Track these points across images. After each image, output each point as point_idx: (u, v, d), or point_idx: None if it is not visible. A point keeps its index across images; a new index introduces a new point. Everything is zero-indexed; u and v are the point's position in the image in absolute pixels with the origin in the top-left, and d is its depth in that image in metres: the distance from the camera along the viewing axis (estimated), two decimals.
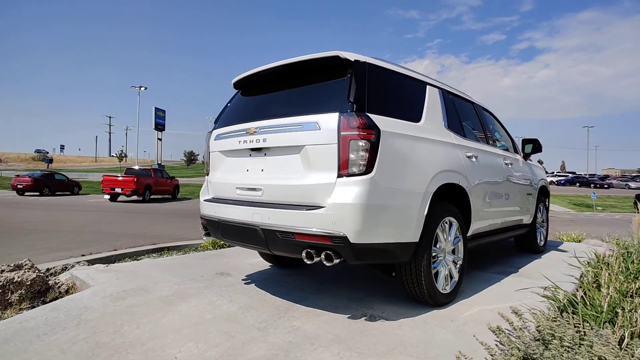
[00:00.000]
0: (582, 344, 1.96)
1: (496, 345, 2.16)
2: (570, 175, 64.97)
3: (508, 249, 5.64)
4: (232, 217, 2.90)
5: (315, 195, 2.49)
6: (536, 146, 4.93)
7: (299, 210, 2.50)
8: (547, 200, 5.72)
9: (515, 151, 4.93)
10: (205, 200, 3.32)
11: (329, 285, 3.57)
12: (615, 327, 2.38)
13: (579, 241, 7.54)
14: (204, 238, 3.34)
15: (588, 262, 4.72)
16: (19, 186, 22.04)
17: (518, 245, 5.39)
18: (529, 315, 2.75)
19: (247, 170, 2.98)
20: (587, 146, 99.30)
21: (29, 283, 3.25)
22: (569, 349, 1.92)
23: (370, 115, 2.46)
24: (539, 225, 5.39)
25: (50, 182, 23.27)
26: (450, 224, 3.09)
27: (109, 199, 18.69)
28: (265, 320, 2.69)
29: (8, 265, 3.34)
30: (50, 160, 64.03)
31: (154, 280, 3.61)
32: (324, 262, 2.41)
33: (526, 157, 5.04)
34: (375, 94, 2.62)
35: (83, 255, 5.44)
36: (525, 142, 5.00)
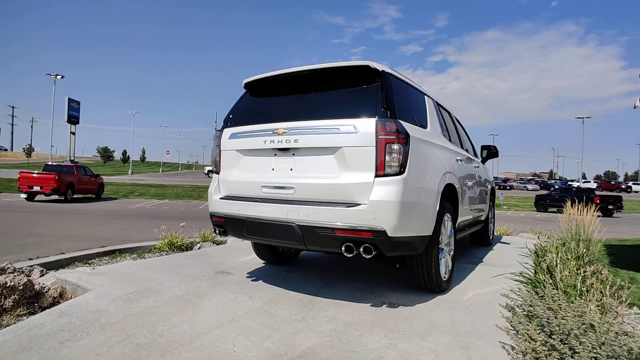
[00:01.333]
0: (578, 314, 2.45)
1: (509, 320, 2.57)
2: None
3: (462, 242, 6.34)
4: (263, 214, 2.97)
5: (352, 193, 2.69)
6: (492, 152, 5.64)
7: (339, 207, 2.68)
8: (494, 200, 6.54)
9: (476, 155, 5.59)
10: (220, 199, 3.31)
11: (334, 279, 3.77)
12: (586, 299, 2.95)
13: (509, 235, 8.66)
14: (219, 237, 3.34)
15: (535, 252, 5.53)
16: None
17: (473, 238, 6.09)
18: (515, 296, 3.25)
19: (273, 169, 3.07)
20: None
21: (21, 287, 2.97)
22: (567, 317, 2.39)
23: (400, 121, 2.74)
24: (490, 221, 6.16)
25: None
26: (448, 219, 3.49)
27: (25, 198, 16.58)
28: (297, 312, 2.82)
29: None
30: None
31: (156, 281, 3.49)
32: (363, 255, 2.63)
33: (484, 161, 5.74)
34: (399, 102, 2.90)
35: (31, 259, 4.96)
36: (483, 147, 5.69)
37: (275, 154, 3.07)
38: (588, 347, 1.97)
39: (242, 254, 4.85)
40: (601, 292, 3.09)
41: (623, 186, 56.76)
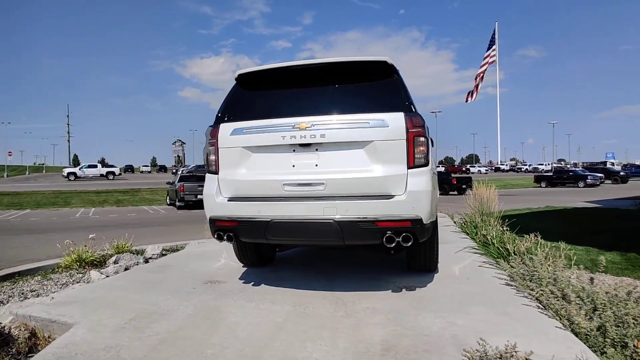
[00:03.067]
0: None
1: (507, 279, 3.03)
2: None
3: None
4: (293, 214, 2.81)
5: (387, 185, 2.78)
6: None
7: (379, 200, 2.73)
8: None
9: None
10: (229, 201, 3.01)
11: (331, 272, 3.79)
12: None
13: None
14: (227, 243, 3.03)
15: (461, 228, 6.42)
16: None
17: None
18: (493, 267, 3.80)
19: (294, 166, 2.93)
20: None
21: None
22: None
23: (420, 115, 2.92)
24: None
25: None
26: None
27: None
28: (335, 309, 2.80)
29: None
30: None
31: (145, 302, 3.01)
32: (402, 244, 2.74)
33: None
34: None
35: None
36: None
37: (294, 150, 2.94)
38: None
39: (208, 260, 4.46)
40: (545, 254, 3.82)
41: (464, 168, 68.17)
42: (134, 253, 6.15)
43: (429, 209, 2.79)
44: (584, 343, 2.20)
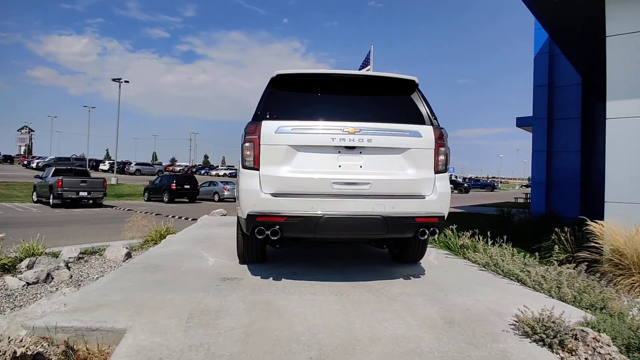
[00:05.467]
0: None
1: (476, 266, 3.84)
2: None
3: None
4: (344, 210, 3.04)
5: (420, 186, 3.25)
6: None
7: (416, 199, 3.18)
8: None
9: None
10: (275, 197, 3.06)
11: (337, 266, 4.06)
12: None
13: None
14: (270, 238, 3.07)
15: None
16: None
17: None
18: (453, 257, 4.61)
19: (340, 166, 3.16)
20: None
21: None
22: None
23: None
24: None
25: None
26: None
27: None
28: (376, 295, 3.13)
29: None
30: None
31: (187, 302, 2.87)
32: (431, 236, 3.25)
33: None
34: None
35: None
36: None
37: (339, 152, 3.18)
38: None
39: (194, 259, 4.25)
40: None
41: None
42: (49, 256, 5.42)
43: (448, 208, 3.36)
44: (568, 304, 3.02)
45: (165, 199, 20.93)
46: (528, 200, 26.78)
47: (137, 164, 51.04)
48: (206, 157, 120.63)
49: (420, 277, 3.73)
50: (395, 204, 3.13)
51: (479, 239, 4.82)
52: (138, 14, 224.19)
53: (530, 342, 2.38)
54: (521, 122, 15.51)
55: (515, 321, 2.60)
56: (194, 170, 64.96)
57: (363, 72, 3.45)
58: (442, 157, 3.36)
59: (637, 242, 4.50)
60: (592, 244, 4.75)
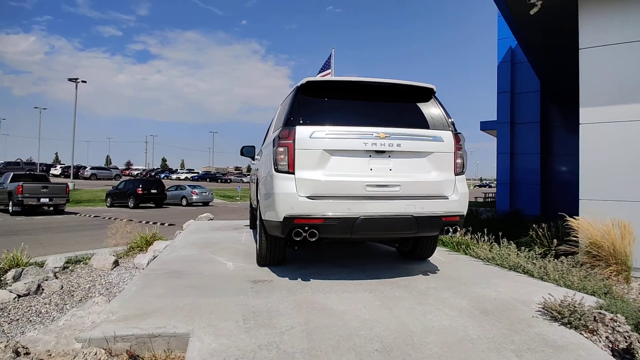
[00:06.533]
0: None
1: (480, 262, 4.16)
2: (202, 172, 75.35)
3: None
4: (379, 211, 3.20)
5: (443, 188, 3.48)
6: None
7: (441, 200, 3.41)
8: None
9: None
10: (312, 199, 3.17)
11: (354, 265, 4.21)
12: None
13: None
14: (309, 239, 3.16)
15: None
16: None
17: None
18: (455, 254, 4.91)
19: (371, 170, 3.33)
20: (213, 147, 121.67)
21: None
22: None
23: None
24: None
25: None
26: None
27: None
28: (406, 291, 3.32)
29: None
30: None
31: (234, 304, 2.90)
32: (452, 234, 3.49)
33: None
34: None
35: None
36: None
37: (370, 155, 3.34)
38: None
39: (209, 264, 4.24)
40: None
41: None
42: (35, 266, 5.26)
43: (467, 207, 3.63)
44: (576, 291, 3.37)
45: (131, 204, 20.09)
46: (488, 199, 28.45)
47: (92, 168, 48.62)
48: (164, 160, 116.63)
49: (436, 272, 3.96)
50: (424, 204, 3.35)
51: (470, 236, 5.19)
52: (88, 11, 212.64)
53: (559, 326, 2.67)
54: (485, 126, 16.46)
55: (541, 307, 2.88)
56: (152, 174, 62.61)
57: (386, 80, 3.62)
58: (459, 160, 3.62)
59: (613, 236, 4.99)
60: (571, 238, 5.22)
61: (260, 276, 3.72)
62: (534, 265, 3.91)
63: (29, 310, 3.67)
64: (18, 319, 3.41)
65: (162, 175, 58.07)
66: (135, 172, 60.66)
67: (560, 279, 3.61)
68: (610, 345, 2.58)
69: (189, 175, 66.21)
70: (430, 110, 3.68)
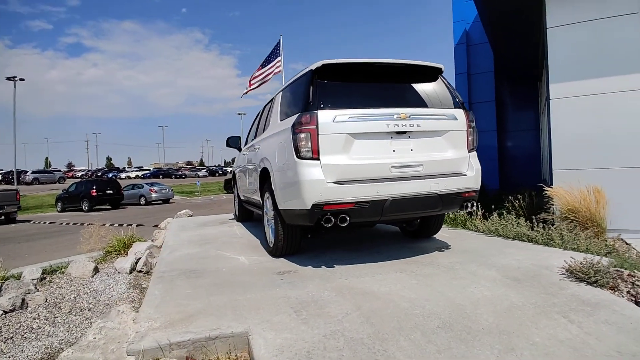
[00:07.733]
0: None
1: (483, 234, 4.37)
2: (152, 169, 71.88)
3: None
4: (407, 191, 3.21)
5: (459, 165, 3.56)
6: None
7: (460, 177, 3.49)
8: None
9: None
10: (339, 184, 3.11)
11: (363, 249, 4.22)
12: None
13: None
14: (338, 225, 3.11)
15: None
16: None
17: None
18: (454, 228, 5.09)
19: (394, 151, 3.32)
20: (163, 143, 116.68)
21: None
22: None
23: None
24: None
25: None
26: None
27: None
28: (436, 268, 3.39)
29: None
30: None
31: (275, 297, 2.82)
32: (470, 209, 3.60)
33: None
34: None
35: None
36: None
37: (391, 137, 3.33)
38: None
39: (220, 260, 4.07)
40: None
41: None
42: (13, 279, 4.87)
43: (480, 182, 3.75)
44: (583, 253, 3.62)
45: (85, 207, 18.80)
46: None
47: (34, 172, 44.92)
48: (109, 159, 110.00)
49: (449, 248, 4.09)
50: (446, 182, 3.41)
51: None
52: (18, 7, 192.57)
53: (586, 285, 2.86)
54: None
55: (565, 270, 3.07)
56: (99, 174, 58.96)
57: (400, 60, 3.60)
58: (472, 137, 3.72)
59: (588, 201, 5.41)
60: (548, 206, 5.59)
61: (282, 267, 3.63)
62: (537, 233, 4.15)
63: (20, 326, 3.38)
64: (12, 337, 3.16)
65: (110, 175, 54.88)
66: (80, 174, 56.72)
67: (566, 242, 3.86)
68: (633, 299, 2.81)
69: (140, 173, 62.97)
70: (442, 89, 3.73)
